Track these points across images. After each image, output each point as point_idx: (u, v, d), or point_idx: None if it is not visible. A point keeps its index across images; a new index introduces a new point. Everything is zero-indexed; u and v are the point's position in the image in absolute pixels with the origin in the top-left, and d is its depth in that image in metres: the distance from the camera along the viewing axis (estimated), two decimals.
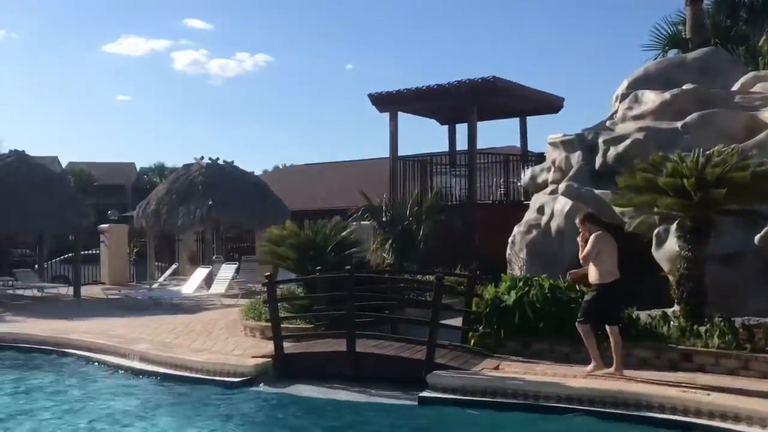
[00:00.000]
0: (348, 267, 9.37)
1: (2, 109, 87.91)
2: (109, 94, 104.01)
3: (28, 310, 16.03)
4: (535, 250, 13.38)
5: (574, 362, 8.81)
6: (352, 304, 9.07)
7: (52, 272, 23.89)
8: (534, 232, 13.62)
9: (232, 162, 22.05)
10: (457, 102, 16.96)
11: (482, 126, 18.00)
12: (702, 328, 8.37)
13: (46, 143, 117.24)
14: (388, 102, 17.83)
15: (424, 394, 8.05)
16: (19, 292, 19.44)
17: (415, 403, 7.92)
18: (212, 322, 12.96)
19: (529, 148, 19.75)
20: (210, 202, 19.72)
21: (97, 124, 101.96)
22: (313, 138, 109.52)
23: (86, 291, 19.82)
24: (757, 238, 9.88)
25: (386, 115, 18.29)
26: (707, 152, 8.49)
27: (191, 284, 17.40)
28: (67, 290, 19.70)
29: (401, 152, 18.52)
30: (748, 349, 7.97)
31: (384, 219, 14.98)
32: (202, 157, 21.74)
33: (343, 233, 12.44)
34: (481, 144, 18.03)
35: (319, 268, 10.91)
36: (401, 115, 18.56)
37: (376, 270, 12.20)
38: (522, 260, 13.72)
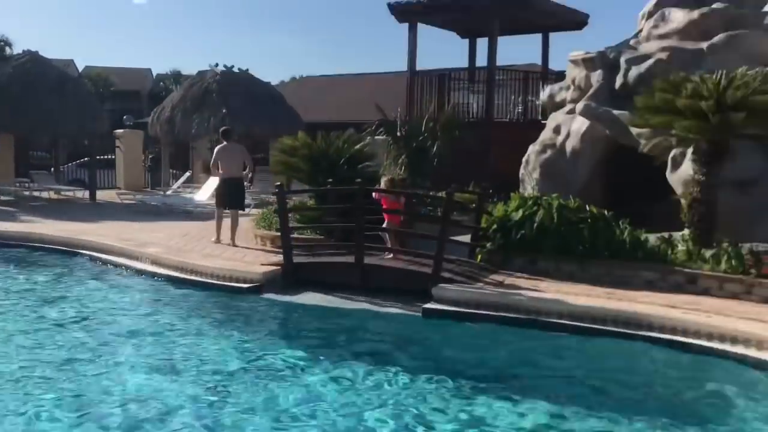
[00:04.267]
0: (359, 180, 9.34)
1: (14, 12, 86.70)
2: None
3: (43, 211, 16.30)
4: (549, 170, 13.30)
5: (579, 281, 8.89)
6: (362, 216, 9.12)
7: (69, 176, 24.17)
8: (548, 152, 13.50)
9: (247, 70, 21.80)
10: (480, 15, 16.45)
11: (503, 42, 17.50)
12: (708, 253, 8.36)
13: (61, 47, 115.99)
14: (409, 12, 17.31)
15: (429, 305, 8.19)
16: (36, 193, 19.75)
17: (419, 314, 8.07)
18: (224, 229, 13.09)
19: (551, 66, 19.29)
20: (224, 110, 19.61)
21: (113, 28, 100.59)
22: (332, 50, 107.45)
23: (101, 195, 20.08)
24: None
25: (405, 27, 17.81)
26: (730, 74, 8.24)
27: (204, 192, 17.51)
28: (83, 194, 19.98)
29: (419, 66, 18.15)
30: (753, 275, 7.98)
31: (399, 134, 14.81)
32: (217, 65, 21.51)
33: (357, 147, 12.34)
34: (502, 60, 17.60)
35: (330, 180, 10.89)
36: (421, 27, 18.09)
37: (388, 184, 12.15)
38: (535, 180, 13.65)
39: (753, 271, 8.03)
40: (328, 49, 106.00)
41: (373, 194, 10.06)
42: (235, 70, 21.68)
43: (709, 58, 11.01)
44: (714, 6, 11.99)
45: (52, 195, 19.90)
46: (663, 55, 11.41)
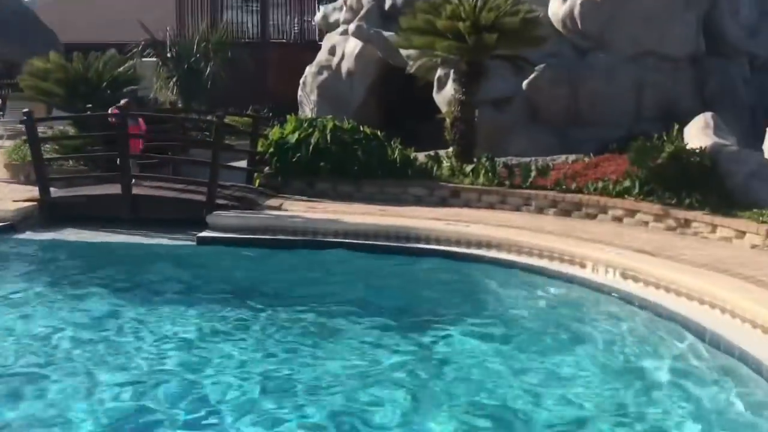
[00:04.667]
0: (119, 104, 8.68)
1: None
2: None
3: None
4: (326, 91, 13.37)
5: (356, 200, 9.16)
6: (127, 143, 8.54)
7: None
8: (325, 74, 13.54)
9: None
10: None
11: None
12: (468, 168, 9.00)
13: None
14: None
15: (203, 234, 7.98)
16: None
17: (194, 243, 7.84)
18: None
19: None
20: None
21: None
22: None
23: None
24: (525, 83, 10.62)
25: None
26: None
27: None
28: None
29: None
30: (506, 186, 8.74)
31: (168, 55, 13.99)
32: None
33: (120, 69, 11.45)
34: None
35: (89, 105, 10.01)
36: None
37: (158, 109, 11.50)
38: (313, 102, 13.67)
39: (507, 183, 8.78)
40: None
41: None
42: None
43: None
44: None
45: None
46: None
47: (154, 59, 14.37)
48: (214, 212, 8.28)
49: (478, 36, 8.22)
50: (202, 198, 8.52)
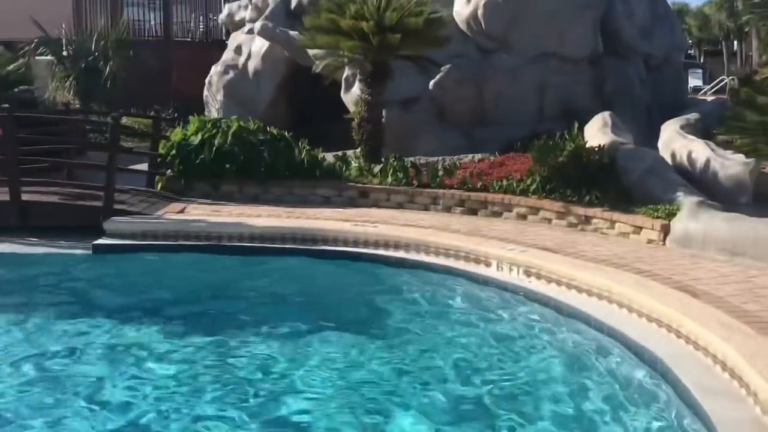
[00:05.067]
0: (5, 105, 8.16)
1: None
2: None
3: None
4: (232, 91, 13.09)
5: (263, 203, 8.96)
6: (13, 147, 8.03)
7: None
8: (231, 73, 13.26)
9: None
10: None
11: None
12: (377, 168, 8.96)
13: None
14: None
15: (100, 241, 7.60)
16: None
17: (89, 251, 7.45)
18: None
19: None
20: None
21: None
22: None
23: None
24: (431, 83, 10.69)
25: None
26: None
27: None
28: None
29: None
30: (414, 185, 8.75)
31: (64, 53, 13.33)
32: None
33: (9, 68, 10.80)
34: None
35: None
36: None
37: (50, 110, 10.91)
38: (219, 102, 13.36)
39: (415, 182, 8.79)
40: None
41: None
42: None
43: None
44: None
45: None
46: None
47: (49, 58, 13.67)
48: (111, 218, 7.90)
49: (382, 36, 8.19)
50: (98, 203, 8.12)
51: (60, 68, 13.11)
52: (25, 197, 8.15)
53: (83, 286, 6.63)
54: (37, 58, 13.35)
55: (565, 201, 7.75)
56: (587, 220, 7.56)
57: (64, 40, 13.30)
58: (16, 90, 10.82)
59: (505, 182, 8.36)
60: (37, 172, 9.11)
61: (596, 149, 8.14)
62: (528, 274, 6.31)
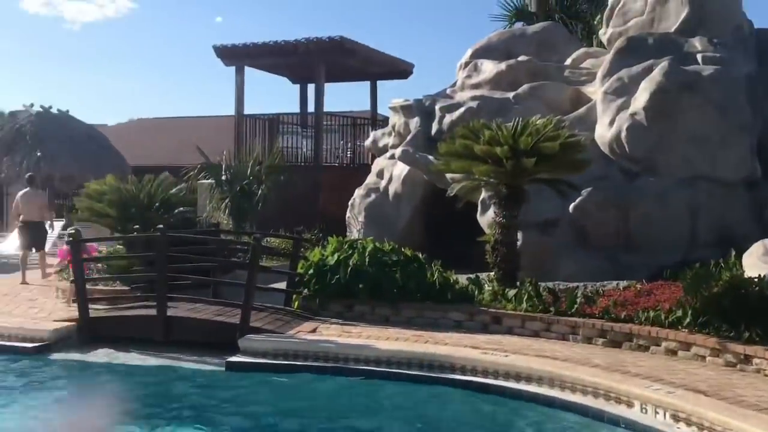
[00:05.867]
0: (160, 226, 8.82)
1: None
2: None
3: None
4: (373, 213, 13.41)
5: (393, 324, 8.86)
6: (164, 265, 8.59)
7: None
8: (373, 196, 13.64)
9: (67, 111, 20.49)
10: (305, 60, 16.54)
11: (340, 87, 17.75)
12: (511, 292, 8.63)
13: None
14: (234, 55, 17.09)
15: (233, 359, 7.77)
16: None
17: (222, 368, 7.63)
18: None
19: (382, 113, 19.73)
20: (38, 153, 18.22)
21: None
22: (171, 92, 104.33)
23: None
24: (571, 207, 10.36)
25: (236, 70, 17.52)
26: (523, 122, 8.68)
27: (13, 241, 16.01)
28: None
29: (253, 110, 17.94)
30: (551, 313, 8.30)
31: (223, 178, 14.41)
32: (32, 105, 20.04)
33: (172, 191, 11.78)
34: (339, 105, 17.81)
35: (136, 226, 10.25)
36: (255, 71, 17.92)
37: (205, 230, 11.69)
38: (360, 223, 13.71)
39: (552, 309, 8.35)
40: (169, 92, 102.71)
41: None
42: (54, 111, 20.29)
43: (516, 107, 11.65)
44: (520, 58, 12.77)
45: None
46: (473, 104, 11.94)
47: (209, 181, 14.82)
48: (246, 336, 8.10)
49: (516, 160, 8.12)
50: (236, 321, 8.39)
51: (218, 191, 14.14)
52: (170, 312, 8.60)
53: (211, 402, 6.74)
54: (199, 182, 14.51)
55: (721, 337, 6.99)
56: (747, 359, 6.73)
57: (223, 166, 14.41)
58: (176, 211, 11.69)
59: (652, 313, 7.71)
60: (183, 289, 9.65)
61: (756, 280, 7.37)
62: (676, 419, 5.63)
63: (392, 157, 13.39)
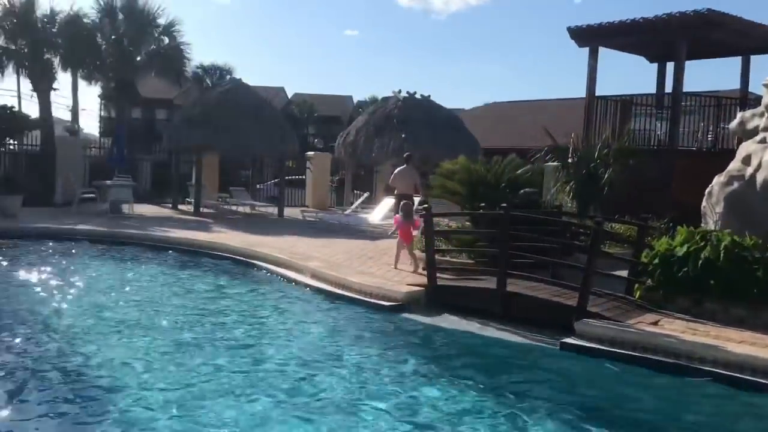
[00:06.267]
0: (504, 205, 9.14)
1: (234, 42, 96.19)
2: (338, 29, 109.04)
3: (235, 224, 17.80)
4: (734, 204, 12.03)
5: (749, 327, 7.97)
6: (506, 242, 8.91)
7: (267, 193, 26.18)
8: (735, 184, 12.22)
9: (429, 96, 22.25)
10: (664, 37, 15.40)
11: (701, 65, 16.27)
12: None
13: (276, 75, 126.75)
14: (588, 36, 16.66)
15: (568, 340, 7.78)
16: (234, 208, 21.65)
17: (557, 347, 7.69)
18: (386, 249, 13.42)
19: (754, 91, 17.55)
20: (403, 135, 20.16)
21: (323, 58, 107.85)
22: (524, 76, 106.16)
23: (289, 212, 21.50)
24: None
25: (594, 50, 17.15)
26: None
27: (378, 213, 18.10)
28: (273, 210, 21.51)
29: (605, 92, 17.41)
30: None
31: (569, 161, 14.31)
32: (400, 91, 22.18)
33: (518, 172, 12.11)
34: (699, 85, 16.37)
35: (483, 204, 10.78)
36: (609, 52, 17.35)
37: (547, 212, 11.79)
38: (717, 214, 12.44)
39: None
40: (528, 76, 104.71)
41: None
42: (417, 96, 22.22)
43: None
44: None
45: (247, 210, 21.67)
46: None
47: (555, 164, 14.85)
48: (583, 320, 8.03)
49: None
50: (572, 303, 8.36)
51: (563, 174, 14.09)
52: (509, 288, 8.91)
53: (543, 377, 6.86)
54: (545, 164, 14.64)
55: None
56: None
57: (570, 148, 14.29)
58: (521, 192, 11.99)
59: None
60: (522, 267, 9.89)
61: None
62: None
63: (763, 140, 11.85)
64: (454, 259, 11.02)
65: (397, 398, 5.95)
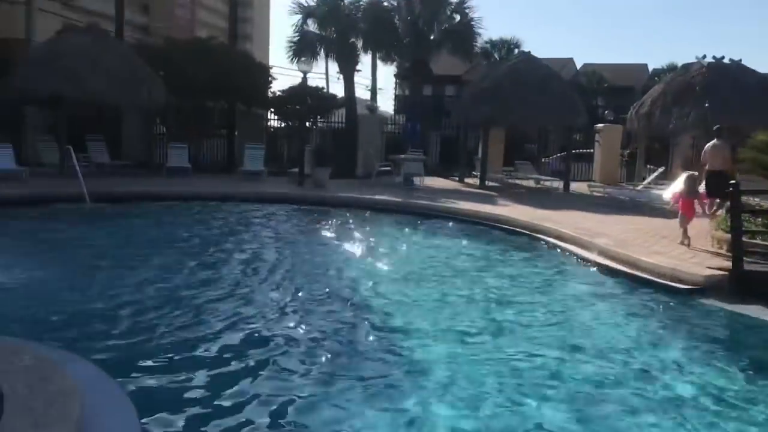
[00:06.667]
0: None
1: (522, 14, 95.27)
2: None
3: (518, 198, 17.86)
4: None
5: None
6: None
7: (552, 167, 25.80)
8: None
9: (739, 61, 19.90)
10: None
11: None
12: None
13: (564, 46, 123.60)
14: None
15: None
16: (518, 182, 21.73)
17: None
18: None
19: None
20: (706, 104, 18.35)
21: (613, 28, 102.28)
22: None
23: (575, 186, 20.96)
24: None
25: None
26: None
27: (672, 190, 16.79)
28: (558, 184, 21.14)
29: None
30: None
31: None
32: (704, 56, 20.16)
33: None
34: None
35: None
36: None
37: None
38: None
39: None
40: None
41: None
42: (726, 61, 20.01)
43: None
44: None
45: (531, 184, 21.59)
46: None
47: None
48: None
49: None
50: None
51: None
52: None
53: None
54: None
55: None
56: None
57: None
58: None
59: None
60: None
61: None
62: None
63: None
64: (765, 242, 9.79)
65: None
